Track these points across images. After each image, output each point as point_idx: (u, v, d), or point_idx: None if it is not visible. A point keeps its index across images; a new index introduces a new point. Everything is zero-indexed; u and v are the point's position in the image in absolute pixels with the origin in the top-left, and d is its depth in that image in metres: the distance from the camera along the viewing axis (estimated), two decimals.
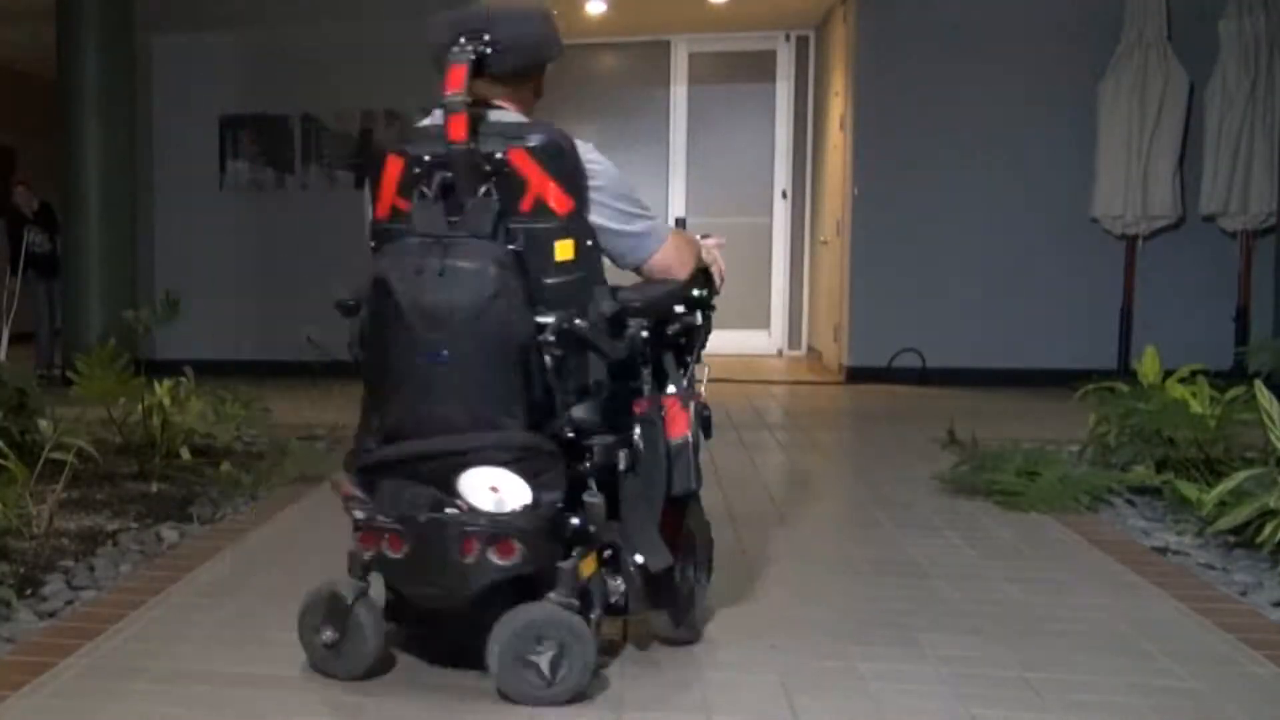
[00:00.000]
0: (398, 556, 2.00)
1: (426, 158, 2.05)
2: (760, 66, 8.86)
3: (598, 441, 2.04)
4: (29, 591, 2.63)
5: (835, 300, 7.70)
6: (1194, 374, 3.78)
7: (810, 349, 8.78)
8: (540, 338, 1.97)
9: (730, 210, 8.95)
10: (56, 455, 3.26)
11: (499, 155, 2.01)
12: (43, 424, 3.65)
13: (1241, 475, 2.94)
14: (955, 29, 6.95)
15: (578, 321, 2.00)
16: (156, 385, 4.08)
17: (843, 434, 5.67)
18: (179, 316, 4.36)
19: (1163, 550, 3.02)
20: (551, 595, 1.96)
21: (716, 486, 3.69)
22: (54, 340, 7.94)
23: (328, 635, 2.09)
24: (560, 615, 1.94)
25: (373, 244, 2.16)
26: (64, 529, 3.21)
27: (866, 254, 7.16)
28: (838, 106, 7.73)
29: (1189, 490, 3.26)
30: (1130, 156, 6.53)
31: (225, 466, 3.87)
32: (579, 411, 2.04)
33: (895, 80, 7.04)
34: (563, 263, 2.03)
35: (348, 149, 7.78)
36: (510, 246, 2.01)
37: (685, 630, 2.25)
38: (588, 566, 2.04)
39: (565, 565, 1.98)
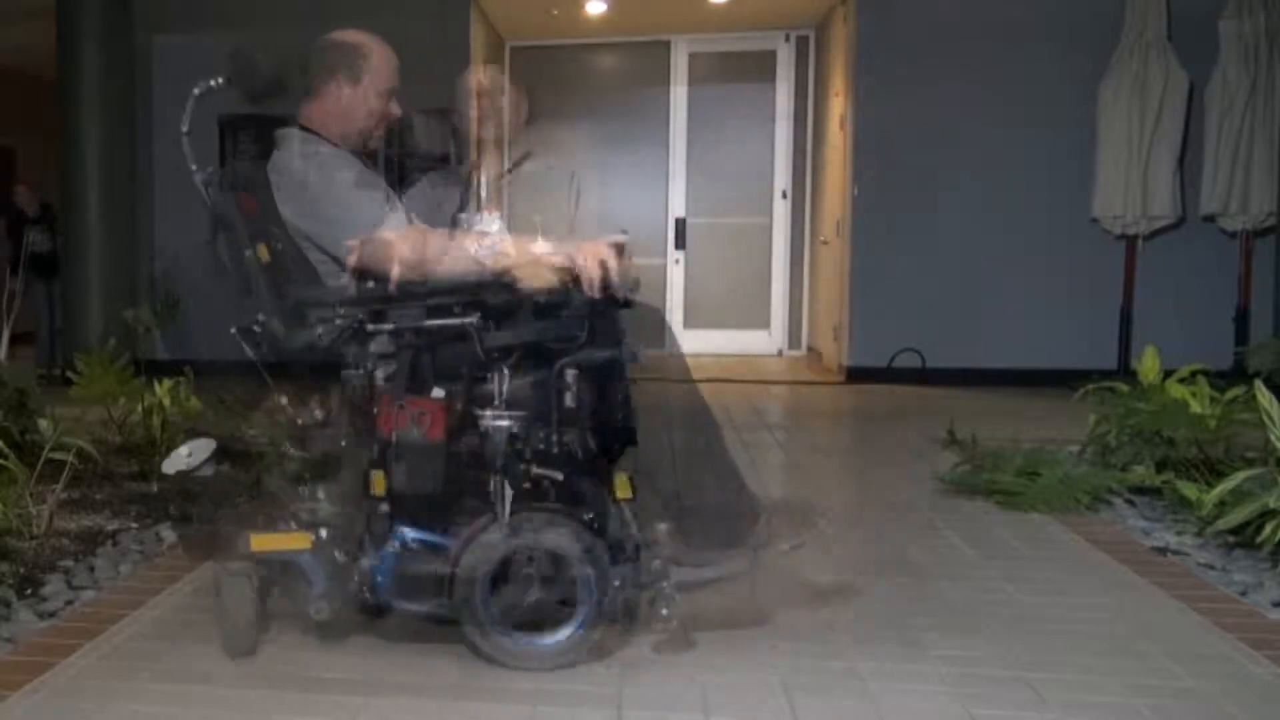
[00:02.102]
0: None
1: None
2: (760, 66, 8.85)
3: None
4: (29, 591, 2.64)
5: (835, 300, 7.69)
6: (1194, 374, 3.78)
7: (810, 349, 8.78)
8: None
9: (730, 210, 8.95)
10: (56, 455, 3.26)
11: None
12: (43, 424, 3.65)
13: (1241, 475, 2.94)
14: (955, 29, 6.95)
15: (259, 318, 2.25)
16: (156, 385, 4.08)
17: (843, 434, 5.67)
18: (179, 316, 4.35)
19: (1163, 550, 3.02)
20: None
21: None
22: (54, 340, 7.94)
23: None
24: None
25: None
26: (64, 529, 3.20)
27: (866, 254, 7.16)
28: (838, 106, 7.73)
29: (1189, 490, 3.26)
30: (1130, 156, 6.53)
31: (225, 466, 3.86)
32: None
33: (895, 80, 7.03)
34: (265, 265, 2.27)
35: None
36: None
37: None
38: (270, 541, 2.21)
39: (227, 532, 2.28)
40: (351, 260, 2.22)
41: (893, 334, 7.07)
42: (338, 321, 2.17)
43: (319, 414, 2.22)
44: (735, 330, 8.97)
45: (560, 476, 2.14)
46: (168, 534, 3.20)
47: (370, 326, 2.17)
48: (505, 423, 2.12)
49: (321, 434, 2.21)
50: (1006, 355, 6.86)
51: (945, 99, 6.95)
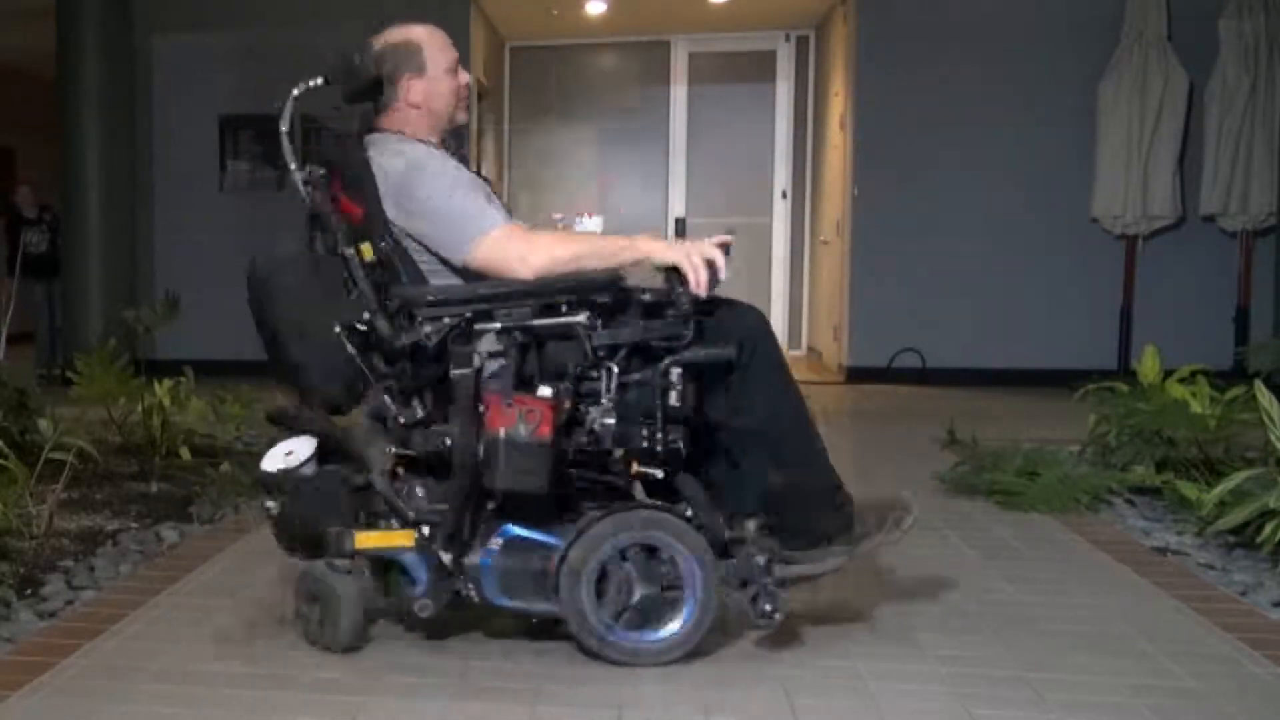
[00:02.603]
0: None
1: None
2: (760, 66, 8.85)
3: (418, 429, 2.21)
4: (29, 591, 2.64)
5: (835, 300, 7.70)
6: (1194, 374, 3.77)
7: (810, 349, 8.78)
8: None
9: (730, 210, 8.95)
10: (56, 455, 3.26)
11: (321, 172, 2.36)
12: (43, 424, 3.65)
13: (1241, 475, 2.94)
14: (955, 29, 6.96)
15: (364, 316, 2.18)
16: (156, 385, 4.08)
17: (843, 434, 5.67)
18: (179, 316, 4.35)
19: (1163, 550, 3.02)
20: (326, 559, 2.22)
21: None
22: (54, 340, 7.94)
23: (304, 608, 2.29)
24: (325, 573, 2.21)
25: None
26: (64, 529, 3.21)
27: (866, 254, 7.16)
28: (838, 106, 7.73)
29: (1189, 490, 3.26)
30: (1130, 156, 6.53)
31: (225, 466, 3.86)
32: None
33: (895, 80, 7.04)
34: (369, 264, 2.24)
35: None
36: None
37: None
38: (374, 539, 2.22)
39: (333, 531, 2.21)
40: (475, 259, 2.24)
41: (893, 334, 7.07)
42: (445, 320, 2.17)
43: (419, 412, 2.20)
44: None
45: (674, 476, 2.18)
46: (168, 534, 3.20)
47: (477, 325, 2.18)
48: (611, 420, 2.15)
49: (424, 432, 2.19)
50: (1006, 355, 6.87)
51: (945, 99, 6.95)
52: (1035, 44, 6.86)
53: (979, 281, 6.97)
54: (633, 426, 2.15)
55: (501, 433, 2.06)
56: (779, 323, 8.97)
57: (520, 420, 2.06)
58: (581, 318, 2.16)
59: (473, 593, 2.17)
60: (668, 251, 2.23)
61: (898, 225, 7.06)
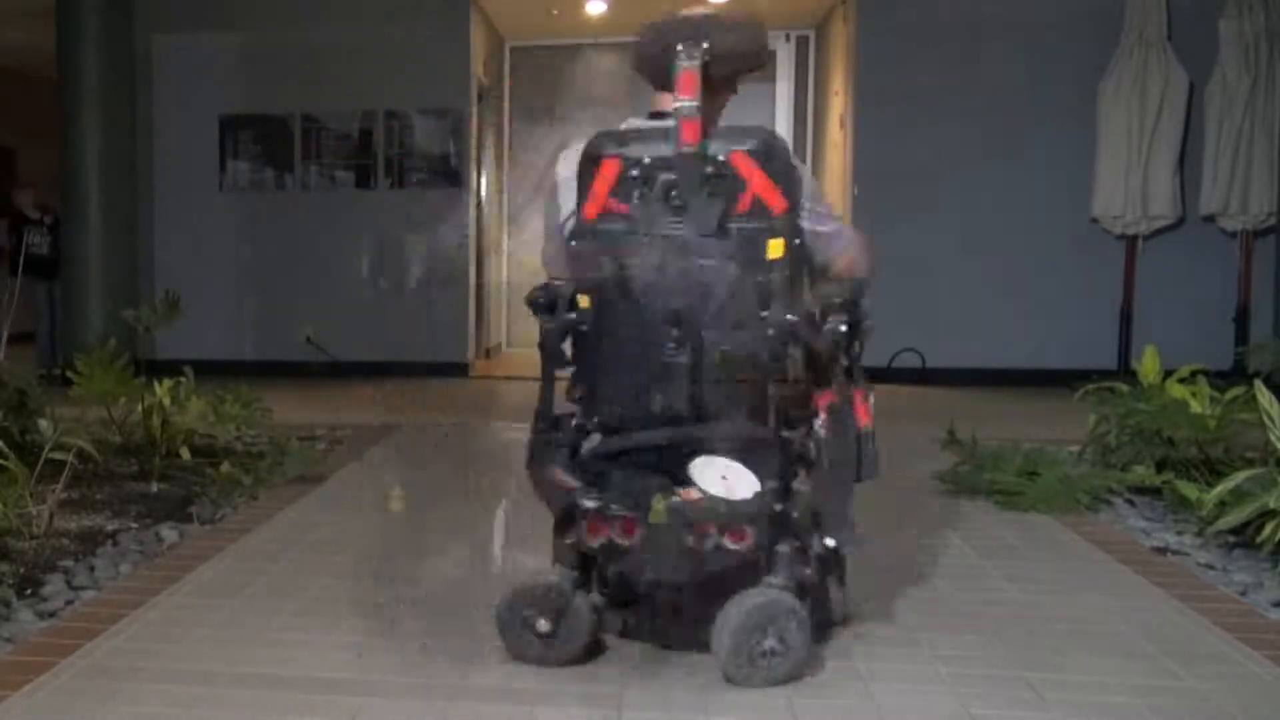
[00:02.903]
0: (630, 543, 2.08)
1: (646, 160, 2.13)
2: None
3: (795, 433, 2.13)
4: (29, 591, 2.64)
5: None
6: (1194, 374, 3.78)
7: None
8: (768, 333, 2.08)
9: None
10: (56, 455, 3.26)
11: (721, 158, 2.10)
12: (43, 424, 3.65)
13: (1241, 475, 2.94)
14: (955, 28, 6.96)
15: (789, 317, 2.08)
16: (156, 385, 4.08)
17: None
18: (179, 316, 4.35)
19: (1163, 550, 3.02)
20: (773, 580, 2.07)
21: None
22: (54, 340, 7.94)
23: (543, 625, 2.13)
24: (785, 600, 2.04)
25: (573, 242, 2.23)
26: (64, 529, 3.21)
27: None
28: (838, 106, 7.73)
29: (1189, 490, 3.26)
30: (1130, 156, 6.53)
31: (225, 466, 3.86)
32: (785, 403, 2.14)
33: (895, 80, 7.04)
34: (773, 261, 2.11)
35: (347, 149, 7.78)
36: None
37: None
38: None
39: (783, 550, 2.09)
40: (838, 264, 2.31)
41: (893, 334, 7.06)
42: (845, 318, 2.18)
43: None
44: None
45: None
46: (168, 534, 3.20)
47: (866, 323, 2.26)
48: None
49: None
50: (1006, 355, 6.87)
51: (945, 99, 6.95)
52: (1035, 44, 6.86)
53: (979, 281, 6.97)
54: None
55: (869, 426, 2.22)
56: None
57: (870, 412, 2.22)
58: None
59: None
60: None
61: (898, 225, 7.06)
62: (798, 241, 2.15)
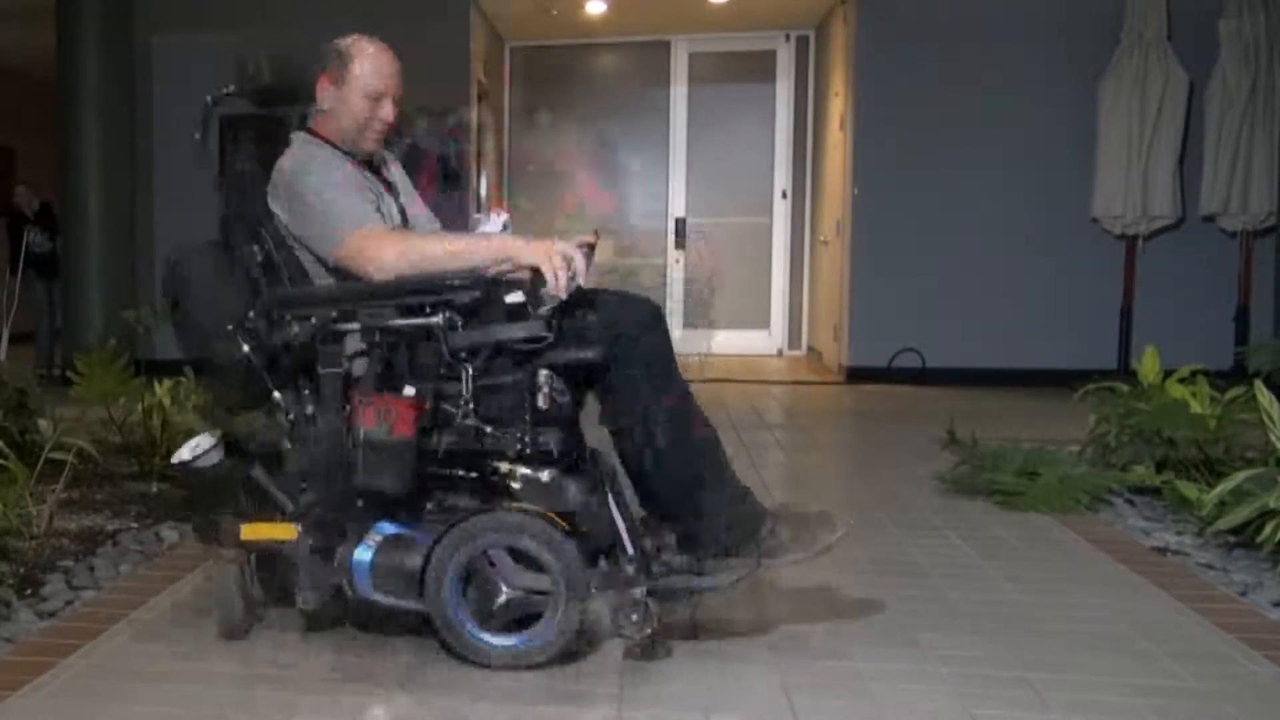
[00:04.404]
0: None
1: None
2: (760, 66, 8.85)
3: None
4: (29, 591, 2.63)
5: (835, 300, 7.70)
6: (1194, 374, 3.77)
7: (810, 349, 8.78)
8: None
9: (730, 210, 8.95)
10: (56, 455, 3.26)
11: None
12: (43, 424, 3.65)
13: (1241, 475, 2.94)
14: (955, 29, 6.95)
15: (250, 315, 2.26)
16: (156, 385, 4.08)
17: (843, 434, 5.67)
18: (179, 317, 4.34)
19: (1163, 550, 3.02)
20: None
21: None
22: (54, 340, 7.93)
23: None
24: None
25: None
26: (64, 529, 3.21)
27: (866, 254, 7.16)
28: (838, 106, 7.73)
29: (1189, 490, 3.26)
30: (1130, 156, 6.53)
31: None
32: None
33: (895, 80, 7.03)
34: (260, 263, 2.35)
35: None
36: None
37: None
38: (260, 531, 2.26)
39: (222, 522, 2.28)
40: (339, 259, 2.29)
41: (892, 334, 7.07)
42: (312, 320, 2.22)
43: (297, 409, 2.27)
44: (735, 330, 8.97)
45: (545, 477, 2.14)
46: (168, 534, 3.20)
47: (342, 325, 2.22)
48: (470, 421, 2.16)
49: (301, 429, 2.26)
50: (1006, 355, 6.86)
51: (945, 99, 6.95)
52: (1035, 44, 6.85)
53: (979, 281, 6.97)
54: (504, 427, 2.15)
55: (362, 431, 2.12)
56: (779, 322, 8.99)
57: (379, 419, 2.10)
58: (438, 319, 2.16)
59: (348, 587, 2.19)
60: (527, 251, 2.20)
61: (898, 225, 7.06)
62: (267, 247, 2.37)
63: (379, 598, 2.18)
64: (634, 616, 2.09)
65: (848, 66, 7.38)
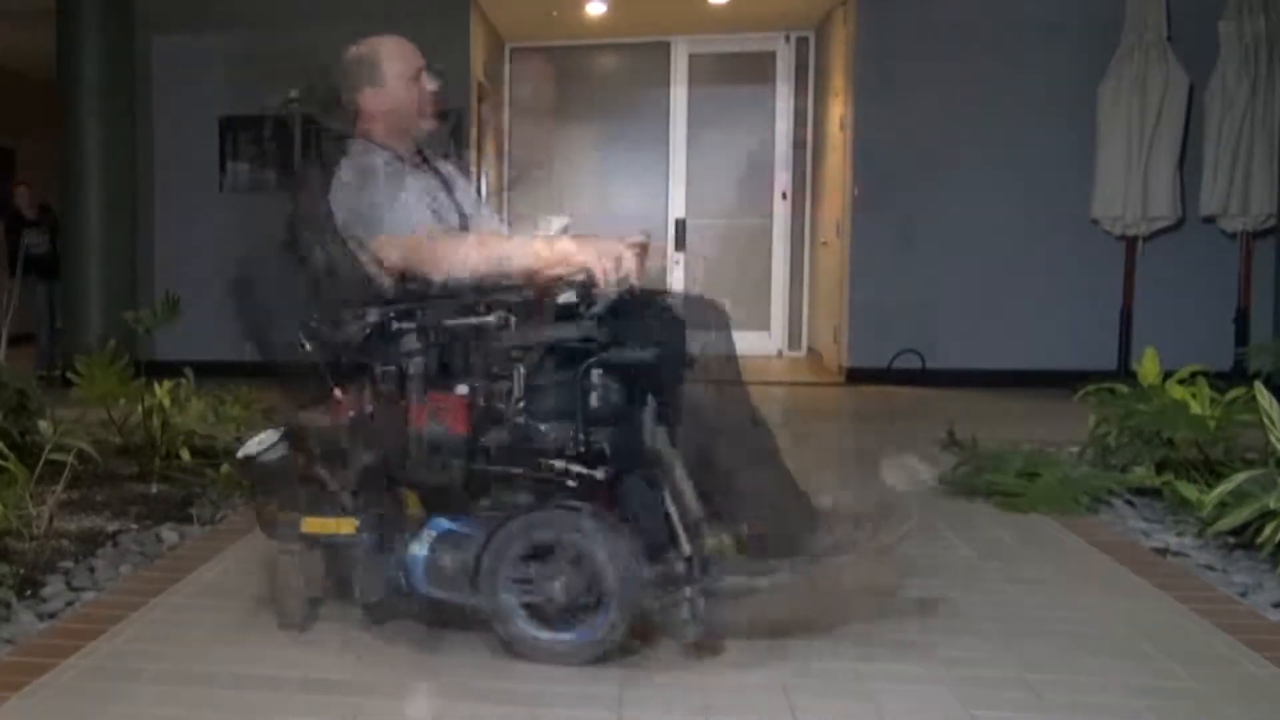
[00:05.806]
0: None
1: None
2: (760, 67, 8.85)
3: None
4: (29, 592, 2.64)
5: (835, 301, 7.69)
6: (1194, 375, 3.77)
7: (810, 350, 8.78)
8: None
9: (730, 211, 8.95)
10: (56, 456, 3.26)
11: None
12: (43, 425, 3.65)
13: (1241, 476, 2.94)
14: (955, 29, 6.95)
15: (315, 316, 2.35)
16: (156, 386, 4.08)
17: (843, 435, 5.67)
18: (179, 317, 4.35)
19: (1163, 551, 3.02)
20: None
21: None
22: (54, 341, 7.93)
23: None
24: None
25: None
26: (64, 530, 3.21)
27: (866, 254, 7.16)
28: (838, 106, 7.73)
29: (1189, 491, 3.26)
30: (1130, 157, 6.52)
31: (225, 468, 3.86)
32: None
33: (895, 80, 7.03)
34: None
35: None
36: None
37: None
38: (319, 525, 2.30)
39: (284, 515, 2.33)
40: (393, 261, 2.35)
41: (893, 334, 7.07)
42: (371, 320, 2.27)
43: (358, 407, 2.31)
44: (735, 331, 8.93)
45: (599, 475, 2.16)
46: (168, 535, 3.20)
47: (399, 325, 2.27)
48: (522, 420, 2.19)
49: (360, 426, 2.30)
50: (1006, 356, 6.86)
51: (945, 99, 6.95)
52: (1035, 45, 6.85)
53: (979, 282, 6.97)
54: (558, 426, 2.18)
55: (418, 428, 2.17)
56: (779, 323, 8.98)
57: (435, 417, 2.15)
58: (492, 318, 2.21)
59: (404, 582, 2.22)
60: (580, 252, 2.26)
61: (898, 225, 7.06)
62: (329, 250, 2.43)
63: (434, 592, 2.21)
64: (684, 616, 2.11)
65: (848, 66, 7.37)
